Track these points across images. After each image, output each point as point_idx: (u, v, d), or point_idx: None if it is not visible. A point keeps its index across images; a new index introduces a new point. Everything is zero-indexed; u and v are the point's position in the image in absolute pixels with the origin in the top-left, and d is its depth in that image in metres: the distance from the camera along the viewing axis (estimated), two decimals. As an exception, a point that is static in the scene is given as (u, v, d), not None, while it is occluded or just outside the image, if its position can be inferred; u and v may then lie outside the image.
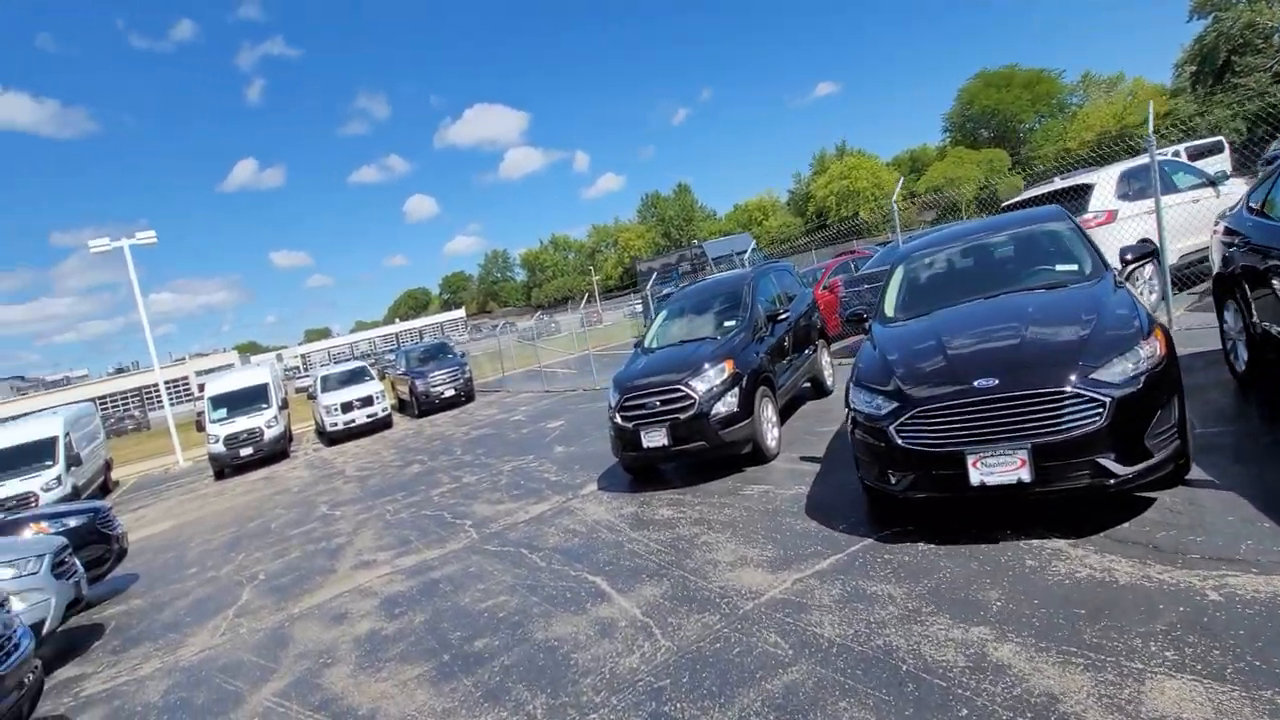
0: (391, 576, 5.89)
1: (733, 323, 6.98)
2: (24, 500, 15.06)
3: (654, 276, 30.66)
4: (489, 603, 4.69)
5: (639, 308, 50.44)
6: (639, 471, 7.00)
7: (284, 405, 20.09)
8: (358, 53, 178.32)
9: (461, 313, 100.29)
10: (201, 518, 12.30)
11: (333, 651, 4.61)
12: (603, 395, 14.57)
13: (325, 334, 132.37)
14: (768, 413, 6.49)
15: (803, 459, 6.24)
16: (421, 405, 19.53)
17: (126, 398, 70.55)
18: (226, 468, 17.34)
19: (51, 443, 16.83)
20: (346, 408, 18.78)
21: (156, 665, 5.31)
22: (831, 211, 62.34)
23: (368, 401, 18.93)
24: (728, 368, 6.21)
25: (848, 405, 4.40)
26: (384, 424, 19.09)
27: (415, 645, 4.33)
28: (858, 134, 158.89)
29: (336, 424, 18.54)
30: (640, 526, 5.57)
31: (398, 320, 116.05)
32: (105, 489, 19.25)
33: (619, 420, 6.36)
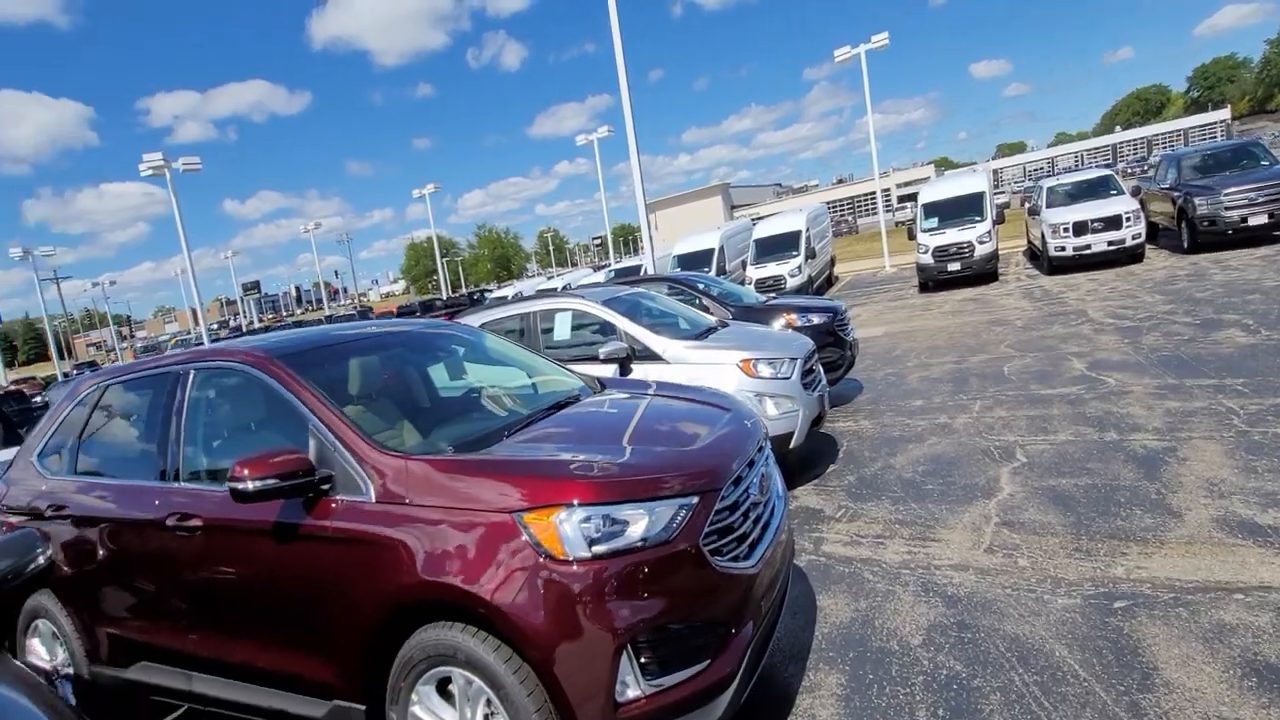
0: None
1: None
2: (776, 282, 17.30)
3: None
4: None
5: None
6: None
7: (999, 219, 17.03)
8: None
9: (1223, 114, 71.60)
10: (911, 331, 11.10)
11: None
12: None
13: (1020, 148, 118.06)
14: None
15: None
16: (1201, 235, 13.24)
17: (841, 205, 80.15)
18: (931, 280, 15.94)
19: (796, 235, 18.63)
20: (1080, 229, 14.32)
21: (903, 554, 3.74)
22: None
23: (1113, 223, 13.95)
24: None
25: None
26: (1132, 255, 13.92)
27: None
28: None
29: (1063, 248, 14.45)
30: None
31: (1118, 129, 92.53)
32: (829, 282, 20.96)
33: None
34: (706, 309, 7.36)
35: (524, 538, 2.08)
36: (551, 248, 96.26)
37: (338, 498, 2.40)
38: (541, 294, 5.81)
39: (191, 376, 3.00)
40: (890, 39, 21.76)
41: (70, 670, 3.14)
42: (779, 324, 7.12)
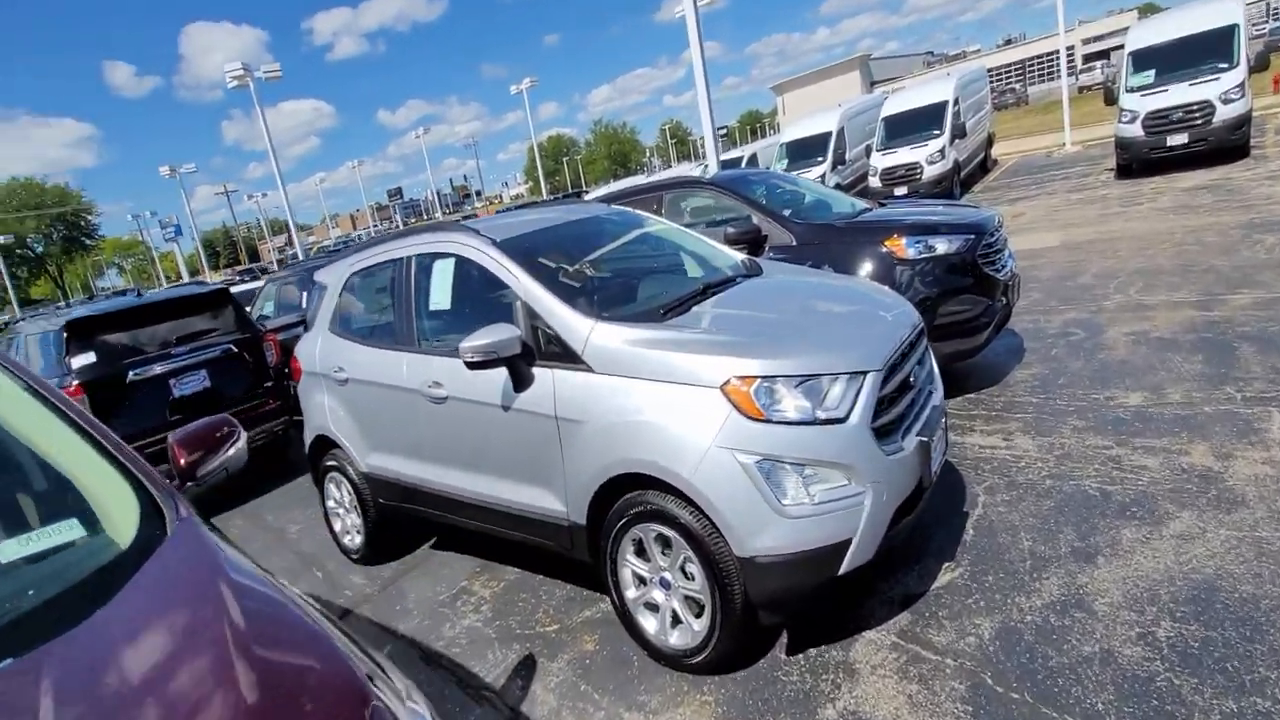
0: None
1: None
2: (909, 172, 13.22)
3: None
4: None
5: None
6: None
7: (1258, 65, 11.48)
8: None
9: None
10: (1107, 240, 7.28)
11: None
12: None
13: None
14: None
15: None
16: None
17: (1007, 72, 66.10)
18: (1138, 161, 11.15)
19: (941, 108, 14.06)
20: None
21: None
22: None
23: None
24: None
25: None
26: None
27: None
28: None
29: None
30: None
31: None
32: (984, 168, 16.14)
33: None
34: (754, 233, 4.47)
35: None
36: (671, 140, 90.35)
37: None
38: (427, 229, 3.28)
39: None
40: None
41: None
42: (870, 263, 4.10)
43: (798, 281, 3.15)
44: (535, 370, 2.55)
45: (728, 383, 2.13)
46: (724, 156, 22.30)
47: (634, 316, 2.56)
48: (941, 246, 4.09)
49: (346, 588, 3.58)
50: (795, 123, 17.91)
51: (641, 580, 2.43)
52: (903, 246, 4.12)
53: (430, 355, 3.00)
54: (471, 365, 2.47)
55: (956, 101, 14.14)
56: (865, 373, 2.19)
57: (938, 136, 13.41)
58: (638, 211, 3.74)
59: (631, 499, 2.32)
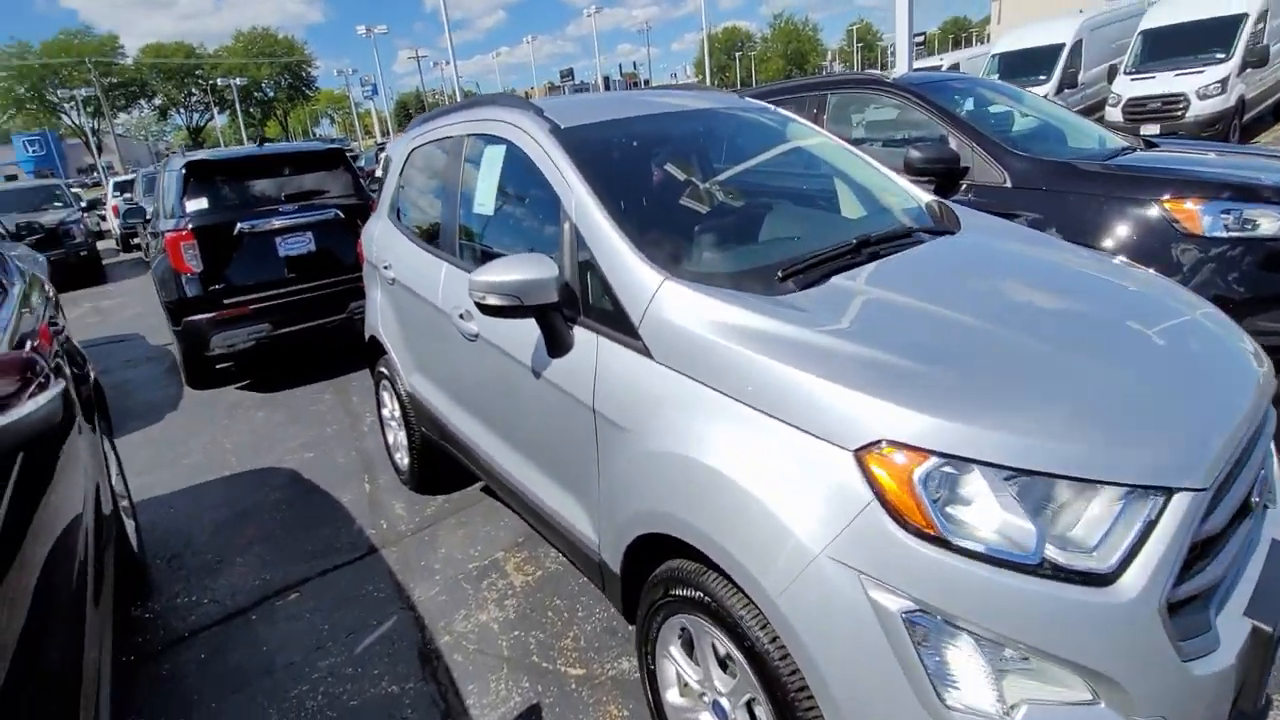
0: None
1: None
2: (1170, 105, 10.01)
3: None
4: None
5: None
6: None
7: None
8: None
9: None
10: None
11: None
12: None
13: None
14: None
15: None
16: None
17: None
18: None
19: (1234, 24, 10.40)
20: None
21: None
22: None
23: None
24: None
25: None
26: None
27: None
28: None
29: None
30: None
31: None
32: (1278, 112, 12.08)
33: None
34: (950, 162, 3.08)
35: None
36: (858, 44, 79.90)
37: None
38: (485, 101, 2.34)
39: None
40: None
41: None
42: (1130, 233, 2.63)
43: (1026, 257, 1.87)
44: (577, 330, 1.66)
45: (875, 446, 1.10)
46: (918, 65, 18.81)
47: (732, 277, 1.53)
48: (1267, 223, 2.54)
49: (384, 516, 3.11)
50: (1015, 29, 14.36)
51: (688, 686, 1.59)
52: (1195, 214, 2.61)
53: (466, 274, 2.20)
54: (485, 309, 1.62)
55: (1263, 17, 10.35)
56: (1171, 491, 1.05)
57: (1221, 61, 9.94)
58: (784, 113, 2.55)
59: (682, 571, 1.43)
